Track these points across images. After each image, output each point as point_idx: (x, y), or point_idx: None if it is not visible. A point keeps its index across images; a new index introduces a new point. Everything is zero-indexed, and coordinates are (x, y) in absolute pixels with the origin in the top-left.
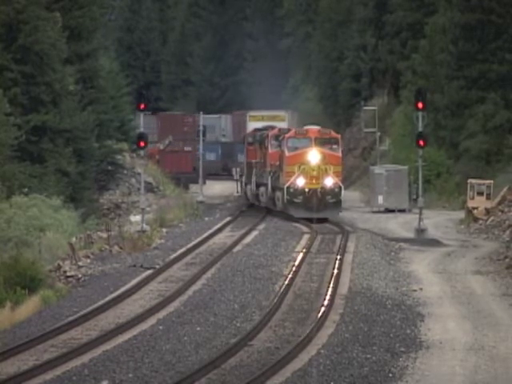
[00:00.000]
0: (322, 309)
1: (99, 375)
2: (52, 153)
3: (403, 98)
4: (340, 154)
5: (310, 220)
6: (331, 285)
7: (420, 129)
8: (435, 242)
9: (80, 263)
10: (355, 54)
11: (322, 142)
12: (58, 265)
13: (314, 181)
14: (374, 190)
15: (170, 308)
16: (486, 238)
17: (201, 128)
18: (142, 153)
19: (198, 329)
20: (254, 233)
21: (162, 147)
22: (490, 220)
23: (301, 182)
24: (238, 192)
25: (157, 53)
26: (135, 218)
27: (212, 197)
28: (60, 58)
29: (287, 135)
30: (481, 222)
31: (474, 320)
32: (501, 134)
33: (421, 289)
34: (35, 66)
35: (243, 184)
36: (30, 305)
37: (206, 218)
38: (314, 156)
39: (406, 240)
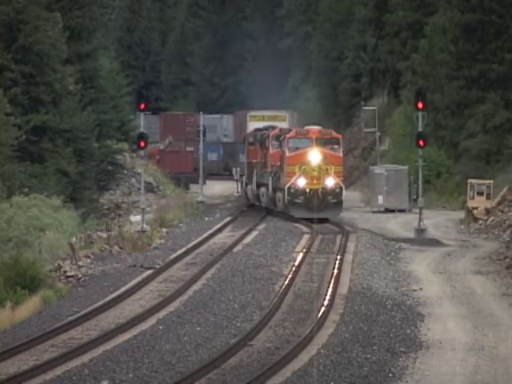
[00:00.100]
0: (322, 309)
1: (99, 375)
2: (52, 153)
3: (403, 98)
4: (341, 155)
5: (310, 220)
6: (331, 285)
7: (420, 129)
8: (435, 242)
9: (80, 263)
10: (355, 54)
11: (323, 142)
12: (58, 265)
13: (314, 181)
14: (374, 190)
15: (170, 308)
16: (485, 238)
17: (201, 128)
18: (142, 153)
19: (198, 329)
20: (254, 233)
21: (162, 147)
22: (490, 220)
23: (302, 182)
24: (238, 192)
25: (157, 53)
26: (135, 217)
27: (212, 197)
28: (60, 58)
29: (288, 135)
30: (481, 222)
31: (474, 320)
32: (501, 134)
33: (421, 289)
34: (35, 65)
35: (243, 184)
36: (30, 305)
37: (206, 218)
38: (314, 156)
39: (406, 240)
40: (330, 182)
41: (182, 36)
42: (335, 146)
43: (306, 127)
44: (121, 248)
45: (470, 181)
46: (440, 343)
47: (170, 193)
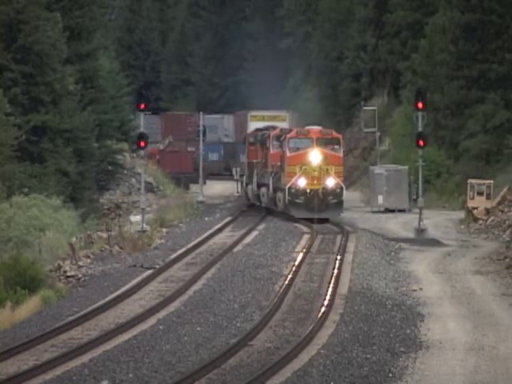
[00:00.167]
0: (322, 309)
1: (99, 375)
2: (52, 153)
3: (403, 98)
4: (341, 155)
5: (310, 220)
6: (331, 285)
7: (420, 129)
8: (435, 242)
9: (80, 263)
10: (355, 54)
11: (324, 142)
12: (58, 265)
13: (315, 181)
14: (374, 190)
15: (170, 308)
16: (485, 238)
17: (201, 128)
18: (142, 153)
19: (198, 329)
20: (254, 233)
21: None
22: (489, 220)
23: (302, 182)
24: (238, 192)
25: (157, 53)
26: (135, 217)
27: (212, 197)
28: (60, 58)
29: (288, 135)
30: (481, 222)
31: (474, 320)
32: (501, 134)
33: (421, 289)
34: (35, 65)
35: (244, 184)
36: (30, 305)
37: (206, 218)
38: (315, 156)
39: (405, 240)
40: (331, 182)
41: (182, 36)
42: (336, 146)
43: (307, 127)
44: (121, 248)
45: (470, 181)
46: (440, 343)
47: (170, 193)
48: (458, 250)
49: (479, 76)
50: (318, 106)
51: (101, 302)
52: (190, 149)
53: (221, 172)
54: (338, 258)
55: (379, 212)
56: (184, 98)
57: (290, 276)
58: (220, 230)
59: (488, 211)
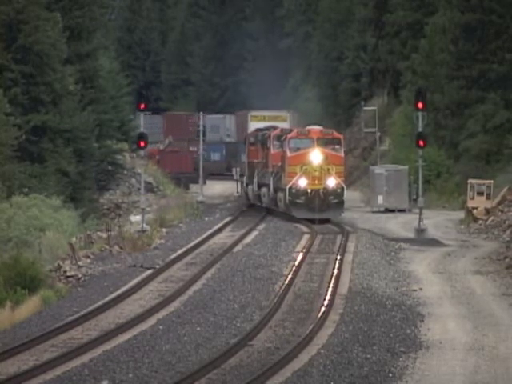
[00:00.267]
0: (322, 309)
1: (99, 375)
2: (52, 153)
3: (403, 98)
4: (342, 155)
5: (312, 221)
6: (331, 285)
7: (420, 129)
8: (435, 242)
9: (80, 263)
10: (355, 54)
11: (324, 142)
12: (58, 265)
13: (316, 181)
14: (373, 190)
15: (170, 308)
16: (485, 238)
17: (201, 128)
18: (142, 153)
19: (198, 329)
20: (254, 233)
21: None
22: (489, 220)
23: (303, 182)
24: (238, 192)
25: (157, 53)
26: (135, 217)
27: (212, 197)
28: (60, 58)
29: (289, 135)
30: (481, 222)
31: (474, 320)
32: (501, 134)
33: (421, 289)
34: (35, 65)
35: (244, 184)
36: (30, 305)
37: (206, 218)
38: (316, 156)
39: (405, 240)
40: (332, 182)
41: (182, 36)
42: (336, 146)
43: (308, 127)
44: (121, 248)
45: (470, 181)
46: (440, 343)
47: (170, 193)
48: (458, 250)
49: (479, 76)
50: (318, 106)
51: (101, 302)
52: (191, 149)
53: (223, 172)
54: (338, 257)
55: (379, 212)
56: (184, 98)
57: (289, 276)
58: (220, 230)
59: (488, 211)
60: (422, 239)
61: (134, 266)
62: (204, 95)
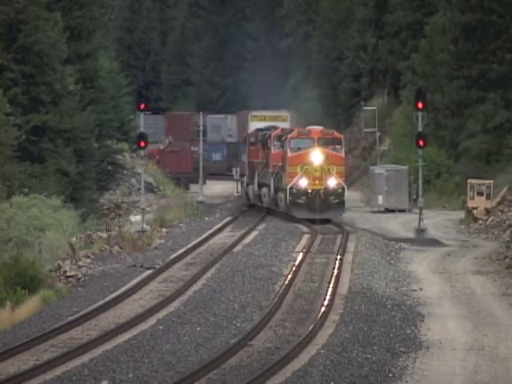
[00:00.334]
0: (322, 309)
1: (99, 375)
2: (52, 153)
3: (403, 98)
4: (343, 155)
5: (312, 221)
6: (331, 285)
7: (420, 129)
8: (435, 242)
9: (80, 263)
10: (355, 54)
11: (325, 142)
12: (58, 265)
13: (316, 181)
14: (373, 190)
15: (170, 308)
16: (485, 238)
17: (201, 128)
18: (142, 153)
19: (198, 329)
20: (254, 233)
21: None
22: (489, 220)
23: (304, 182)
24: (238, 192)
25: (157, 53)
26: (135, 217)
27: (212, 197)
28: (60, 58)
29: (290, 135)
30: (481, 222)
31: (474, 320)
32: (501, 134)
33: (421, 289)
34: (35, 65)
35: (244, 184)
36: (30, 305)
37: (206, 218)
38: (316, 156)
39: (406, 240)
40: (332, 182)
41: (182, 36)
42: (337, 147)
43: (308, 127)
44: (121, 248)
45: (469, 181)
46: (440, 343)
47: (170, 193)
48: (458, 250)
49: (479, 76)
50: (318, 106)
51: (101, 302)
52: (193, 149)
53: (223, 172)
54: (338, 257)
55: (379, 212)
56: (184, 98)
57: (289, 276)
58: (220, 230)
59: (488, 211)
60: (422, 239)
61: (134, 266)
62: (204, 95)
